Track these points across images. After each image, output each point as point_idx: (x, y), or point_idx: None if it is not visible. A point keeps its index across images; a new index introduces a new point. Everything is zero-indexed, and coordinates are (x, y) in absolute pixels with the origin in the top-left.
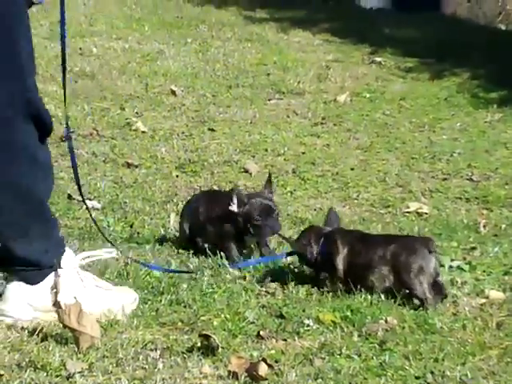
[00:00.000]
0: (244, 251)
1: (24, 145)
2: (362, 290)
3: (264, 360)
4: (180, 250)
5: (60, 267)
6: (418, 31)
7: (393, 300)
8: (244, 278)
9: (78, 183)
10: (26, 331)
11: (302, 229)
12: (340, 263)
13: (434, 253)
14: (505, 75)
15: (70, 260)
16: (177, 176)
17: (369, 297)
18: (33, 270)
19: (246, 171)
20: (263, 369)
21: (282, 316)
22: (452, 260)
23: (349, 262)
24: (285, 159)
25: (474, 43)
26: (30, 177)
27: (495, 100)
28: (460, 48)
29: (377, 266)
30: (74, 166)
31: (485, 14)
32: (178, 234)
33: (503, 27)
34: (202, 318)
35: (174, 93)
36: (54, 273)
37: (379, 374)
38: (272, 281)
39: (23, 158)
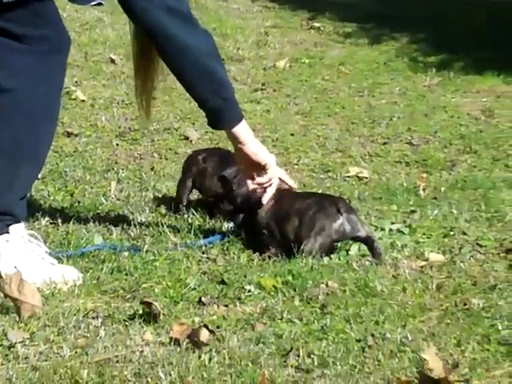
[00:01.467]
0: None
1: None
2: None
3: (205, 326)
4: (121, 219)
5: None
6: None
7: (334, 264)
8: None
9: None
10: None
11: None
12: (263, 213)
13: (343, 213)
14: (443, 39)
15: (19, 227)
16: (117, 144)
17: (310, 261)
18: None
19: (187, 138)
20: (205, 334)
21: (223, 282)
22: (392, 223)
23: (272, 213)
24: None
25: (414, 8)
26: None
27: (434, 64)
28: (398, 12)
29: (291, 217)
30: None
31: None
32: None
33: None
34: (144, 285)
35: (113, 61)
36: None
37: (320, 337)
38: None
39: None
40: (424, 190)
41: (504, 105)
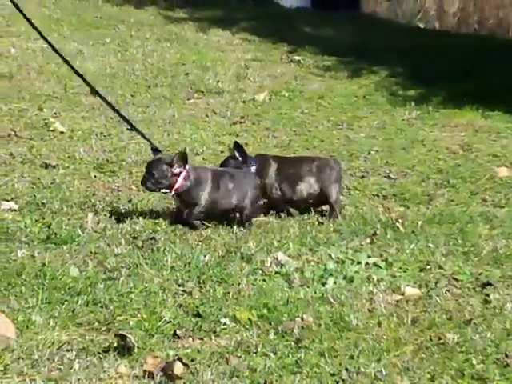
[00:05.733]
0: None
1: None
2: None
3: (179, 359)
4: (97, 251)
5: None
6: (336, 30)
7: (309, 297)
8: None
9: None
10: None
11: None
12: None
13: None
14: (422, 73)
15: None
16: (95, 176)
17: (286, 294)
18: None
19: None
20: (179, 368)
21: (198, 315)
22: (369, 257)
23: None
24: (203, 158)
25: (393, 42)
26: None
27: (413, 97)
28: (378, 46)
29: None
30: None
31: (404, 13)
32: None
33: (422, 25)
34: (119, 317)
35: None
36: None
37: (294, 371)
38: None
39: None
40: (402, 223)
41: (482, 139)
